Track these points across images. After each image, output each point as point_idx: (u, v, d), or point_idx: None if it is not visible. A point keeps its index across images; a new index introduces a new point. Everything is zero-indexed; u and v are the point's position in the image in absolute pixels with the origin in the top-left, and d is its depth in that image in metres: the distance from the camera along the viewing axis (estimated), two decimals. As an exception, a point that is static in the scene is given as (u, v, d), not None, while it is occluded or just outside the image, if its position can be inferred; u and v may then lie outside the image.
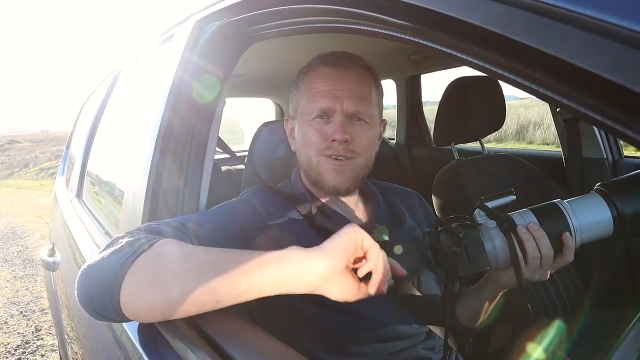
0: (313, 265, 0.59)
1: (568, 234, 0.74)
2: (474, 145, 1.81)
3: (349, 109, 0.83)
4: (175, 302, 0.58)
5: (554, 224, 0.75)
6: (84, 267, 0.64)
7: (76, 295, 0.63)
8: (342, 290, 0.63)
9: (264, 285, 0.59)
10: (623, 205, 0.72)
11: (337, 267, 0.60)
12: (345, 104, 0.83)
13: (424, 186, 1.55)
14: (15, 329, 3.23)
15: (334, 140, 0.82)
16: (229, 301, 0.60)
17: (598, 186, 0.76)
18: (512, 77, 0.38)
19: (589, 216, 0.74)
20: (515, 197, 0.79)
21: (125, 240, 0.65)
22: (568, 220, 0.74)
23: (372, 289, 0.64)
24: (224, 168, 1.81)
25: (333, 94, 0.84)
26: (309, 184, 0.92)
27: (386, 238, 0.83)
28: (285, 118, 0.97)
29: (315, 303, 0.81)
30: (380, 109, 0.92)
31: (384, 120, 0.95)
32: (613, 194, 0.73)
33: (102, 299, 0.59)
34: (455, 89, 1.53)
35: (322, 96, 0.84)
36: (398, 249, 0.86)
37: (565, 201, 0.77)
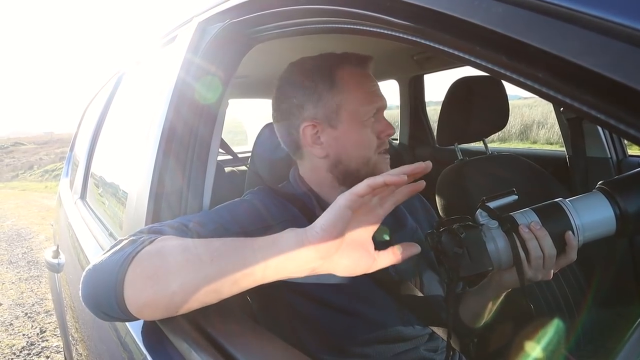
0: (304, 247, 0.58)
1: (570, 232, 0.74)
2: (477, 145, 1.80)
3: (385, 104, 0.89)
4: (177, 295, 0.58)
5: (556, 223, 0.75)
6: (87, 268, 0.64)
7: (80, 296, 0.64)
8: (347, 265, 0.61)
9: (264, 270, 0.58)
10: (625, 203, 0.72)
11: (329, 245, 0.58)
12: (384, 100, 0.89)
13: (426, 186, 1.54)
14: (20, 330, 3.24)
15: (386, 135, 0.87)
16: (230, 290, 0.60)
17: (600, 184, 0.76)
18: (514, 76, 0.37)
19: (591, 215, 0.74)
20: (517, 196, 0.78)
21: (126, 241, 0.66)
22: (570, 219, 0.74)
23: (390, 254, 0.64)
24: (227, 169, 1.81)
25: (379, 93, 0.88)
26: (315, 183, 0.92)
27: (387, 237, 0.83)
28: (303, 126, 0.87)
29: (317, 304, 0.81)
30: None
31: None
32: (615, 192, 0.73)
33: (106, 297, 0.60)
34: (458, 89, 1.53)
35: (376, 95, 0.87)
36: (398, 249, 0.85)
37: (567, 200, 0.76)
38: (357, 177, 0.86)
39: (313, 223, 0.60)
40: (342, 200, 0.58)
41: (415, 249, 0.66)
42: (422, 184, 0.62)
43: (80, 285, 0.64)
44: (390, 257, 0.64)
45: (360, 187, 0.57)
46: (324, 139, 0.87)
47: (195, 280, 0.58)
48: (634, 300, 1.40)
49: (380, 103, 0.87)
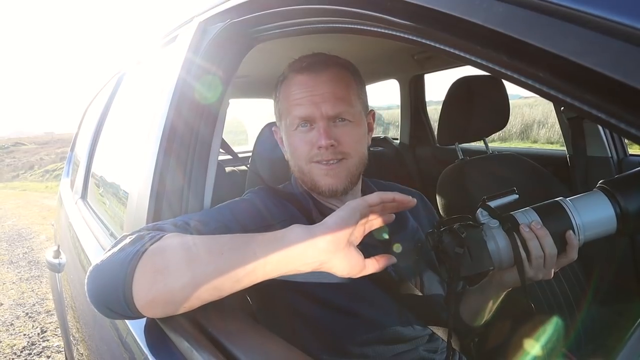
0: (316, 240, 0.59)
1: (571, 232, 0.74)
2: (478, 145, 1.80)
3: (328, 112, 0.82)
4: (186, 289, 0.59)
5: (557, 222, 0.75)
6: (92, 265, 0.65)
7: (87, 294, 0.64)
8: (346, 265, 0.63)
9: (269, 265, 0.59)
10: (625, 202, 0.72)
11: (340, 240, 0.60)
12: (324, 108, 0.82)
13: (427, 186, 1.55)
14: (20, 330, 3.24)
15: (320, 147, 0.82)
16: (237, 284, 0.60)
17: (600, 183, 0.76)
18: (515, 76, 0.38)
19: (592, 214, 0.74)
20: (518, 195, 0.78)
21: (132, 237, 0.66)
22: (571, 218, 0.74)
23: (374, 263, 0.66)
24: (227, 169, 1.82)
25: (310, 100, 0.82)
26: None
27: (386, 237, 0.83)
28: (273, 128, 0.97)
29: (317, 304, 0.82)
30: (364, 101, 0.90)
31: (371, 110, 0.93)
32: (615, 191, 0.73)
33: (114, 293, 0.60)
34: (459, 88, 1.53)
35: (299, 104, 0.83)
36: (397, 247, 0.85)
37: (567, 199, 0.76)
38: (305, 185, 0.89)
39: (322, 221, 0.62)
40: (355, 204, 0.62)
41: (391, 260, 0.69)
42: (391, 217, 0.68)
43: (86, 283, 0.64)
44: (375, 265, 0.67)
45: (372, 197, 0.62)
46: (283, 142, 0.93)
47: (205, 275, 0.59)
48: (634, 299, 1.40)
49: (303, 112, 0.83)
